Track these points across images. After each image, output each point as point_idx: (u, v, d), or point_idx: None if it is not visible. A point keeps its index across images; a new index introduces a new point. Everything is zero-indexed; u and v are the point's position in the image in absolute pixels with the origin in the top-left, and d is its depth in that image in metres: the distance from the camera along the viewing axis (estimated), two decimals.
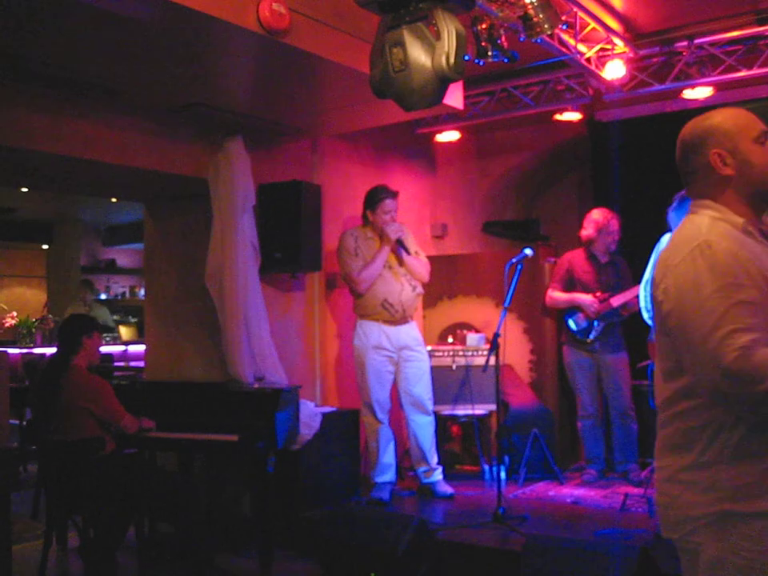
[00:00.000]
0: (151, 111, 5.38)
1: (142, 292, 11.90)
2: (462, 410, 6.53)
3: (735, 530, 2.01)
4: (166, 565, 5.32)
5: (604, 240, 6.35)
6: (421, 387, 6.03)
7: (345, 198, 6.80)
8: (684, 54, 5.91)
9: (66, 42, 4.14)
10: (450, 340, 6.93)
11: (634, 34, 5.86)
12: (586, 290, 6.37)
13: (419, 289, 6.12)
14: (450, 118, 7.15)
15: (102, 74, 4.66)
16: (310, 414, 5.66)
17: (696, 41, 5.78)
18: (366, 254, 5.98)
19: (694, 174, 2.25)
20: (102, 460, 4.74)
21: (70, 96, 4.94)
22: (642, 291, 5.28)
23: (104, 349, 8.12)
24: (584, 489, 6.15)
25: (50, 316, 10.16)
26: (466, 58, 3.22)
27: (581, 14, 5.27)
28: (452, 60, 3.14)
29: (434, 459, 6.05)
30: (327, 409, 6.06)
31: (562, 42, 5.33)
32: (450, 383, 6.51)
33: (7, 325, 9.91)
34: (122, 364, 10.04)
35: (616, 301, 6.24)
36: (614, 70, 5.77)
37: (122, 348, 10.85)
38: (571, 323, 6.42)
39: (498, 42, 4.36)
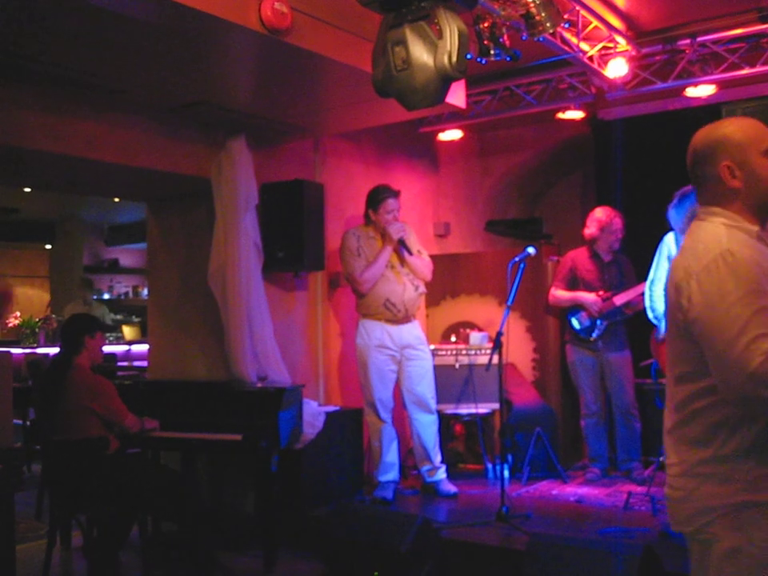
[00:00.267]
0: (154, 111, 5.38)
1: (145, 291, 11.91)
2: (465, 409, 6.53)
3: (752, 520, 2.05)
4: (170, 564, 5.33)
5: (607, 239, 6.35)
6: (424, 386, 6.03)
7: (347, 197, 6.80)
8: (687, 52, 5.90)
9: (69, 41, 4.14)
10: (453, 339, 6.93)
11: (636, 32, 5.85)
12: (589, 289, 6.36)
13: (422, 288, 6.12)
14: (453, 117, 7.14)
15: (104, 74, 4.67)
16: (313, 413, 5.67)
17: (699, 39, 5.77)
18: (369, 254, 5.98)
19: (704, 182, 2.29)
20: (106, 459, 4.75)
21: (72, 96, 4.94)
22: (647, 291, 5.27)
23: (107, 348, 8.13)
24: (587, 487, 6.14)
25: (53, 316, 10.18)
26: (469, 56, 3.21)
27: (583, 12, 5.27)
28: (454, 59, 3.14)
29: (437, 458, 6.05)
30: (330, 408, 6.06)
31: (564, 41, 5.32)
32: (453, 382, 6.51)
33: (10, 325, 9.94)
34: (125, 364, 10.05)
35: (619, 299, 6.24)
36: (617, 69, 5.76)
37: (125, 348, 10.86)
38: (574, 322, 6.41)
39: (501, 40, 4.34)
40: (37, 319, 10.08)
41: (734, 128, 2.26)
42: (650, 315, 5.25)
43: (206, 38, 4.20)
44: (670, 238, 5.14)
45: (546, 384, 6.96)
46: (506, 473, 5.61)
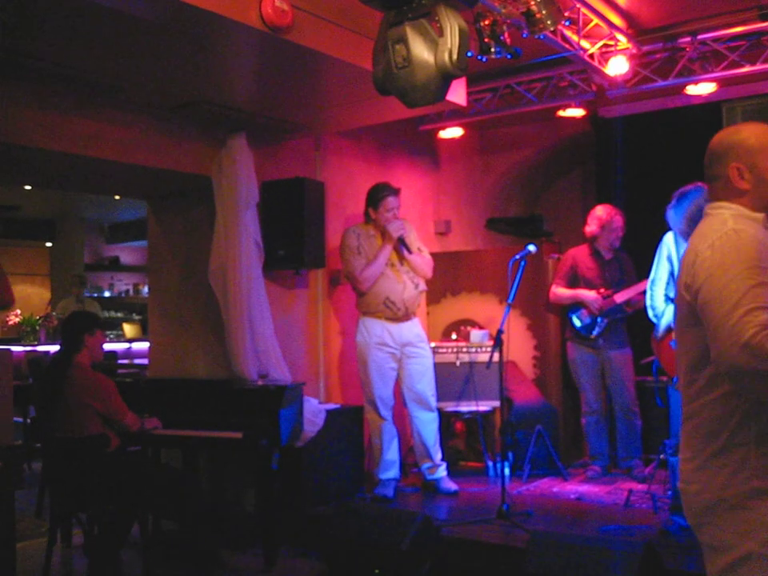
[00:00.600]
0: (154, 109, 5.38)
1: (146, 289, 11.91)
2: (465, 407, 6.53)
3: (762, 510, 2.11)
4: (171, 562, 5.33)
5: (607, 236, 6.35)
6: (424, 384, 6.03)
7: (348, 194, 6.80)
8: (687, 49, 5.90)
9: (70, 39, 4.14)
10: (454, 336, 6.93)
11: (637, 29, 5.85)
12: (589, 287, 6.37)
13: (422, 286, 6.12)
14: (453, 115, 7.14)
15: (105, 72, 4.66)
16: (314, 410, 5.67)
17: (699, 36, 5.77)
18: (369, 252, 5.98)
19: (716, 180, 2.39)
20: (106, 457, 4.75)
21: (73, 94, 4.94)
22: (648, 290, 5.28)
23: (108, 346, 8.13)
24: (588, 485, 6.15)
25: (54, 313, 10.18)
26: (469, 54, 3.21)
27: (584, 9, 5.27)
28: (455, 56, 3.13)
29: (437, 456, 6.06)
30: (331, 406, 6.07)
31: (564, 38, 5.32)
32: (453, 380, 6.51)
33: (11, 323, 9.93)
34: (125, 361, 10.05)
35: (620, 297, 6.24)
36: (617, 66, 5.76)
37: (125, 345, 10.86)
38: (575, 319, 6.41)
39: (501, 38, 4.34)
40: (37, 317, 10.07)
41: (748, 133, 2.36)
42: (650, 314, 5.26)
43: (207, 36, 4.20)
44: (669, 238, 5.14)
45: (546, 382, 6.97)
46: (507, 470, 5.60)
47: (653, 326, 5.23)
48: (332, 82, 5.09)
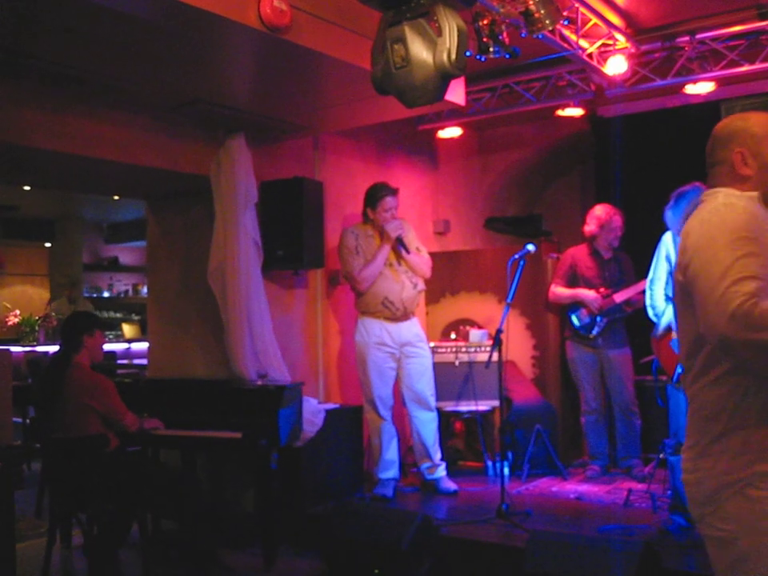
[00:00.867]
0: (153, 108, 5.38)
1: (145, 290, 11.92)
2: (465, 407, 6.53)
3: (765, 491, 2.08)
4: (170, 562, 5.33)
5: (606, 236, 6.35)
6: (423, 383, 6.03)
7: (347, 194, 6.80)
8: (686, 49, 5.90)
9: (68, 39, 4.13)
10: (453, 336, 6.92)
11: (635, 29, 5.85)
12: (589, 286, 6.37)
13: (420, 286, 6.12)
14: (452, 115, 7.14)
15: (104, 72, 4.66)
16: (313, 410, 5.67)
17: (698, 36, 5.77)
18: (367, 252, 5.98)
19: (718, 165, 2.39)
20: (106, 457, 4.75)
21: (72, 93, 4.94)
22: (648, 290, 5.28)
23: (107, 346, 8.14)
24: (587, 484, 6.15)
25: (53, 314, 10.18)
26: (468, 54, 3.21)
27: (582, 9, 5.26)
28: (453, 56, 3.14)
29: (437, 455, 6.06)
30: (330, 405, 6.07)
31: (563, 38, 5.32)
32: (452, 379, 6.51)
33: (10, 323, 9.94)
34: (125, 362, 10.06)
35: (619, 297, 6.25)
36: (616, 66, 5.76)
37: (125, 346, 10.87)
38: (574, 319, 6.41)
39: (500, 37, 4.34)
40: (36, 317, 10.08)
41: (754, 121, 2.37)
42: (650, 313, 5.26)
43: (205, 36, 4.20)
44: (668, 238, 5.14)
45: (545, 381, 6.97)
46: (506, 470, 5.60)
47: (652, 326, 5.23)
48: (331, 81, 5.09)
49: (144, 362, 7.64)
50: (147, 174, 5.64)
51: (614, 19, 5.60)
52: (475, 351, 6.57)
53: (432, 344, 6.48)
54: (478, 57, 4.38)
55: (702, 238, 2.15)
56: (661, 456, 5.47)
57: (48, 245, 13.44)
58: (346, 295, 6.51)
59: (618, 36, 5.68)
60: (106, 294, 13.61)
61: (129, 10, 3.75)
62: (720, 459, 2.15)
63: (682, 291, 2.25)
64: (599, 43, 5.68)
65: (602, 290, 6.31)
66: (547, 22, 4.39)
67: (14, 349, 8.58)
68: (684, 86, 6.23)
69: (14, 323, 10.01)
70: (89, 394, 4.78)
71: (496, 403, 6.24)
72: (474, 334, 6.73)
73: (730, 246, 2.07)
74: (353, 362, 6.21)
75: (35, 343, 9.71)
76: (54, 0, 3.64)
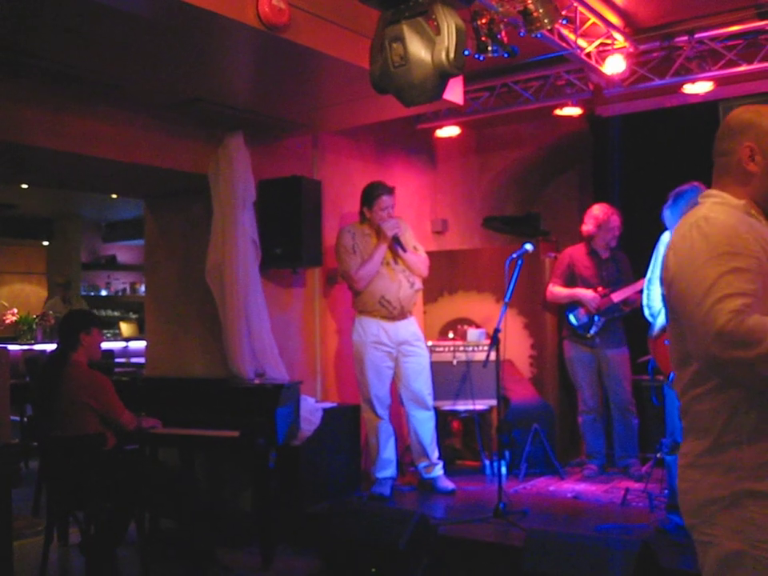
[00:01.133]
0: (152, 107, 5.38)
1: (143, 288, 11.91)
2: (462, 406, 6.53)
3: (753, 519, 2.03)
4: (168, 560, 5.33)
5: (604, 236, 6.35)
6: (420, 382, 6.03)
7: (345, 193, 6.80)
8: (684, 48, 5.90)
9: (67, 37, 4.13)
10: (451, 335, 6.93)
11: (634, 28, 5.85)
12: (586, 286, 6.37)
13: (417, 285, 6.12)
14: (450, 114, 7.14)
15: (102, 70, 4.66)
16: (311, 409, 5.67)
17: (696, 35, 5.77)
18: (364, 251, 5.98)
19: (724, 156, 2.28)
20: (104, 456, 4.74)
21: (70, 92, 4.93)
22: (645, 290, 5.28)
23: (104, 345, 8.14)
24: (585, 484, 6.16)
25: (51, 312, 10.17)
26: (466, 53, 3.22)
27: (581, 8, 5.27)
28: (452, 55, 3.14)
29: (434, 454, 6.06)
30: (328, 404, 6.07)
31: (562, 37, 5.32)
32: (450, 378, 6.51)
33: (8, 321, 9.92)
34: (122, 360, 10.05)
35: (617, 296, 6.25)
36: (614, 65, 5.76)
37: (122, 344, 10.86)
38: (572, 318, 6.42)
39: (498, 36, 4.34)
40: (34, 316, 10.07)
41: None
42: (647, 313, 5.26)
43: (204, 35, 4.20)
44: (666, 238, 5.14)
45: (543, 380, 6.97)
46: (504, 469, 5.61)
47: (649, 325, 5.23)
48: (329, 80, 5.09)
49: (142, 360, 7.64)
50: (145, 172, 5.64)
51: (613, 18, 5.60)
52: (473, 350, 6.57)
53: (430, 343, 6.48)
54: (476, 56, 4.38)
55: (684, 257, 2.09)
56: (658, 455, 5.47)
57: (46, 243, 13.42)
58: (344, 294, 6.51)
59: (617, 35, 5.68)
60: (103, 293, 13.59)
61: (128, 8, 3.75)
62: (709, 473, 2.11)
63: (668, 304, 2.22)
64: (597, 42, 5.68)
65: (599, 289, 6.32)
66: (546, 21, 4.40)
67: (11, 347, 8.58)
68: (682, 85, 6.23)
69: (11, 321, 9.99)
70: (86, 392, 4.77)
71: (493, 402, 6.25)
72: (472, 334, 6.74)
73: (711, 263, 2.01)
74: (350, 360, 6.20)
75: (33, 341, 9.69)
76: None
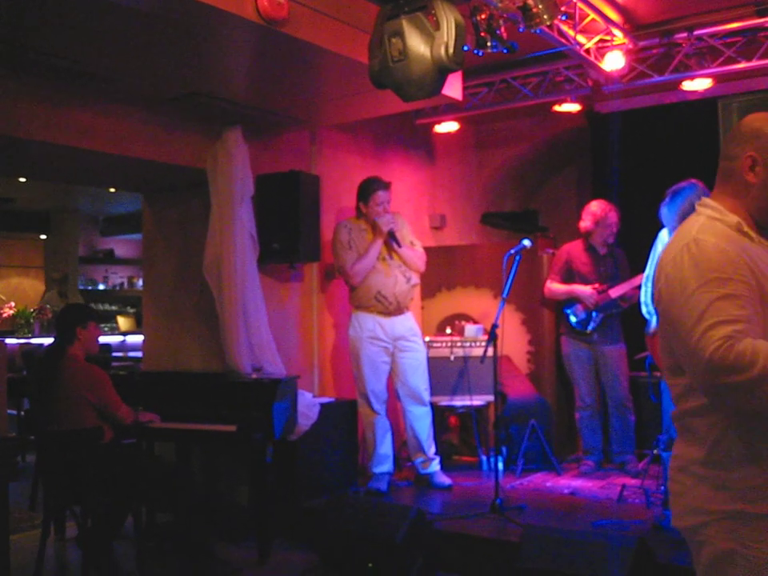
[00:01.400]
0: (150, 101, 5.37)
1: (140, 282, 11.91)
2: (459, 401, 6.53)
3: (747, 528, 2.01)
4: (165, 554, 5.33)
5: (602, 232, 6.36)
6: (417, 378, 6.03)
7: (343, 188, 6.79)
8: (683, 45, 5.89)
9: (65, 31, 4.13)
10: (449, 331, 6.93)
11: (633, 25, 5.84)
12: (584, 282, 6.37)
13: (414, 280, 6.11)
14: (449, 109, 7.13)
15: (100, 64, 4.65)
16: (308, 404, 5.67)
17: (695, 32, 5.76)
18: (360, 246, 5.98)
19: (727, 160, 2.24)
20: (100, 450, 4.74)
21: (68, 86, 4.93)
22: (644, 287, 5.29)
23: (102, 339, 8.15)
24: (581, 480, 6.16)
25: (48, 306, 10.16)
26: (465, 48, 3.22)
27: (580, 4, 5.26)
28: (451, 50, 3.14)
29: (431, 450, 6.06)
30: (325, 399, 6.07)
31: (561, 33, 5.31)
32: (447, 374, 6.51)
33: (5, 315, 9.91)
34: (120, 354, 10.05)
35: (615, 292, 6.25)
36: (614, 62, 5.75)
37: (120, 338, 10.86)
38: (570, 314, 6.42)
39: (498, 32, 4.34)
40: (31, 309, 10.07)
41: None
42: (644, 310, 5.27)
43: (202, 28, 4.19)
44: (664, 235, 5.14)
45: (540, 376, 6.97)
46: (501, 465, 5.63)
47: (646, 322, 5.24)
48: (328, 75, 5.08)
49: (139, 354, 7.62)
50: (143, 166, 5.63)
51: (612, 15, 5.59)
52: (470, 346, 6.57)
53: (427, 338, 6.48)
54: (475, 51, 4.38)
55: (675, 284, 2.07)
56: (655, 452, 5.47)
57: (43, 237, 13.42)
58: (342, 289, 6.51)
59: (616, 32, 5.67)
60: (101, 287, 13.59)
61: (127, 2, 3.74)
62: (700, 484, 2.09)
63: (660, 316, 2.20)
64: (597, 39, 5.67)
65: (597, 285, 6.32)
66: (545, 17, 4.39)
67: (9, 341, 8.58)
68: (681, 82, 6.23)
69: (8, 315, 9.99)
70: (83, 386, 4.77)
71: (491, 398, 6.25)
72: (470, 329, 6.74)
73: (701, 290, 1.99)
74: (348, 356, 6.21)
75: (30, 335, 9.69)
76: None
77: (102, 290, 13.54)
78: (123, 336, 10.96)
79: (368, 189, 6.02)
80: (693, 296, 2.00)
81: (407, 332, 6.04)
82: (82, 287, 13.04)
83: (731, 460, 2.04)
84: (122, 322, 11.67)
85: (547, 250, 7.03)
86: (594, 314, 6.31)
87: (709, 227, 2.13)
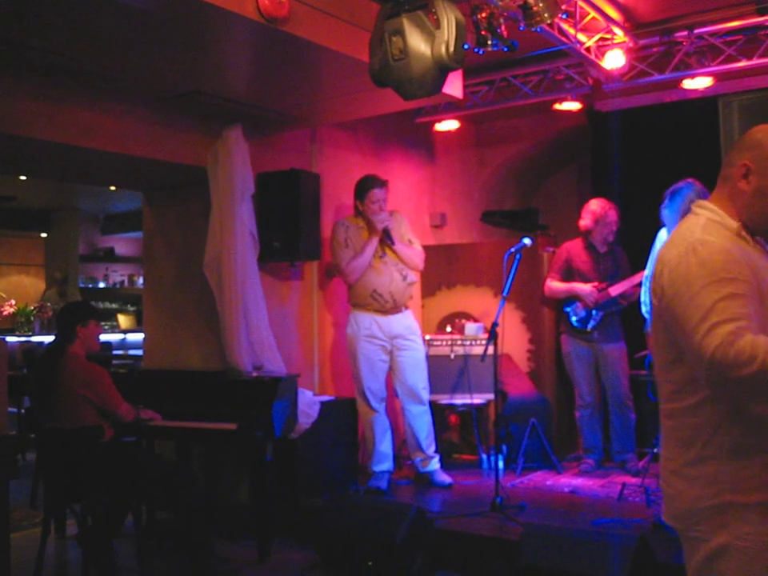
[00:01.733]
0: (150, 99, 5.37)
1: (141, 280, 11.90)
2: (460, 400, 6.54)
3: (738, 521, 2.07)
4: (165, 553, 5.34)
5: (602, 231, 6.35)
6: (415, 377, 6.02)
7: (343, 186, 6.78)
8: (684, 43, 5.89)
9: (66, 30, 4.12)
10: (449, 329, 6.93)
11: (633, 23, 5.84)
12: (584, 280, 6.37)
13: (411, 278, 6.10)
14: (450, 107, 7.13)
15: (100, 62, 4.64)
16: (308, 402, 5.67)
17: (696, 31, 5.76)
18: (356, 245, 5.97)
19: (727, 167, 2.29)
20: (101, 448, 4.74)
21: (68, 84, 4.92)
22: (644, 286, 5.29)
23: (102, 337, 8.16)
24: (582, 478, 6.17)
25: (48, 304, 10.18)
26: (466, 46, 3.22)
27: (581, 3, 5.25)
28: (451, 49, 3.14)
29: (430, 448, 6.06)
30: (325, 397, 6.07)
31: (561, 32, 5.31)
32: (448, 372, 6.51)
33: (6, 313, 9.93)
34: (120, 352, 10.06)
35: (615, 290, 6.25)
36: (614, 60, 5.75)
37: (120, 336, 10.87)
38: (570, 313, 6.42)
39: (498, 30, 4.33)
40: (32, 307, 10.08)
41: None
42: (643, 309, 5.27)
43: (203, 27, 4.19)
44: (663, 235, 5.14)
45: (540, 375, 6.98)
46: (501, 463, 5.63)
47: (646, 321, 5.24)
48: (328, 73, 5.08)
49: (139, 352, 7.63)
50: (144, 165, 5.63)
51: (613, 13, 5.59)
52: (471, 344, 6.57)
53: (427, 337, 6.49)
54: (476, 50, 4.37)
55: (680, 281, 2.11)
56: (655, 450, 5.48)
57: (44, 235, 13.41)
58: (342, 287, 6.51)
59: (617, 30, 5.67)
60: (101, 285, 13.59)
61: (127, 0, 3.73)
62: (693, 484, 2.15)
63: (657, 314, 2.24)
64: (597, 37, 5.67)
65: (597, 283, 6.32)
66: (546, 15, 4.39)
67: (9, 338, 8.59)
68: (682, 80, 6.22)
69: (9, 313, 10.00)
70: (83, 384, 4.77)
71: (491, 396, 6.25)
72: (470, 328, 6.74)
73: (707, 289, 2.04)
74: (347, 354, 6.21)
75: (30, 333, 9.70)
76: None
77: (102, 288, 13.53)
78: (124, 334, 10.98)
79: (364, 187, 6.02)
80: (698, 295, 2.05)
81: (405, 330, 6.03)
82: (82, 285, 13.03)
83: (722, 455, 2.10)
84: (123, 320, 11.68)
85: (547, 249, 7.03)
86: (593, 312, 6.31)
87: (712, 229, 2.18)
